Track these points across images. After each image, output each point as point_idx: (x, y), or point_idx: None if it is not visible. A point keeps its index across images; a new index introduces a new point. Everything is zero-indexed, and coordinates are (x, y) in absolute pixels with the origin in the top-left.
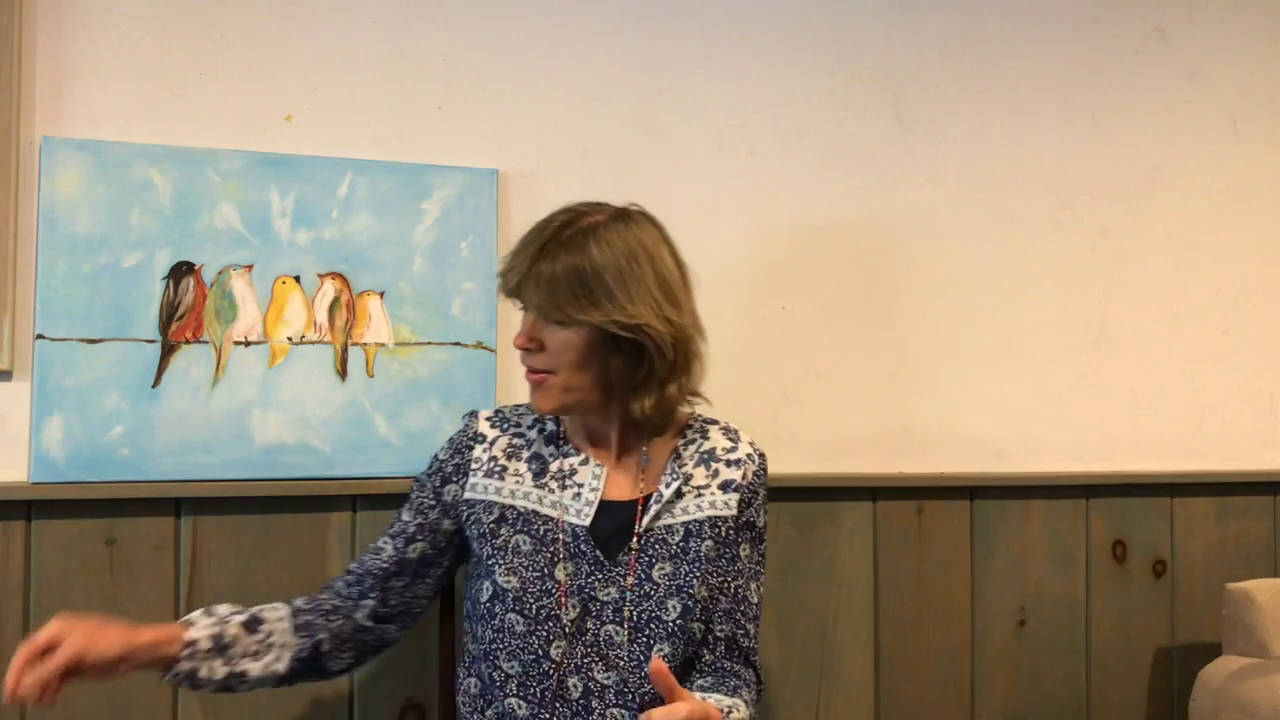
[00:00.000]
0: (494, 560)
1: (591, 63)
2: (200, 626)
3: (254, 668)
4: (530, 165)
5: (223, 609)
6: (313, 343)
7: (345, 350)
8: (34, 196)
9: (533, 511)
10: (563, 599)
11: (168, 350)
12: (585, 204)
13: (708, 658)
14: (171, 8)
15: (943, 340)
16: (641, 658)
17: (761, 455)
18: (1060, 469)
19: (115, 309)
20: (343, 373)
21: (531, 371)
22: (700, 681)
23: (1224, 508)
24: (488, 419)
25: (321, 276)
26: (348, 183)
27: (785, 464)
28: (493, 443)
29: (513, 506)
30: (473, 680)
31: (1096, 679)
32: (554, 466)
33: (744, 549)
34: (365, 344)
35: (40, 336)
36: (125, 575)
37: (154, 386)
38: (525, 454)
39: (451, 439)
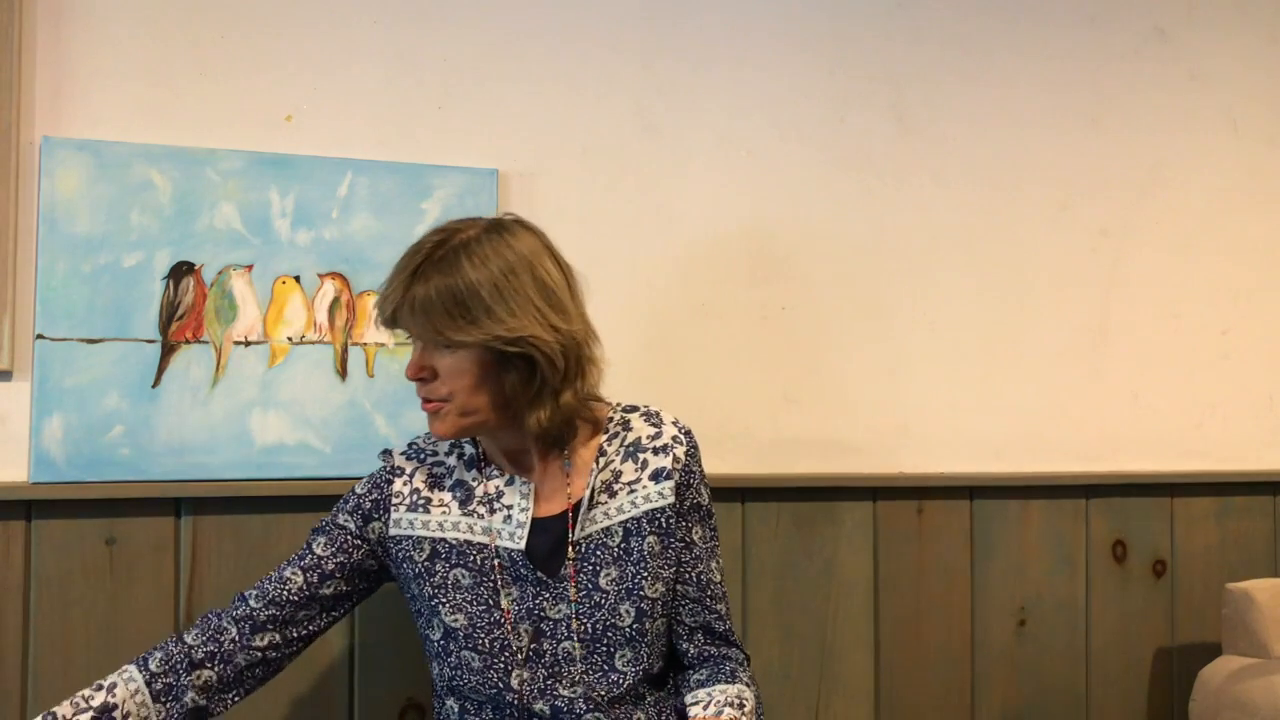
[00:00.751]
0: (437, 600)
1: (591, 63)
2: None
3: None
4: (530, 165)
5: (64, 710)
6: (313, 343)
7: (345, 350)
8: (34, 196)
9: (465, 542)
10: (511, 628)
11: (168, 350)
12: (458, 220)
13: (691, 651)
14: (171, 8)
15: (943, 340)
16: (605, 667)
17: (688, 433)
18: (1060, 469)
19: (115, 309)
20: (343, 373)
21: (426, 401)
22: (696, 675)
23: (1224, 508)
24: (402, 453)
25: (321, 276)
26: (348, 183)
27: (785, 464)
28: (411, 475)
29: (443, 540)
30: (451, 706)
31: (1096, 679)
32: (479, 491)
33: (695, 531)
34: (365, 344)
35: (40, 336)
36: (125, 575)
37: (154, 386)
38: (448, 482)
39: (369, 475)
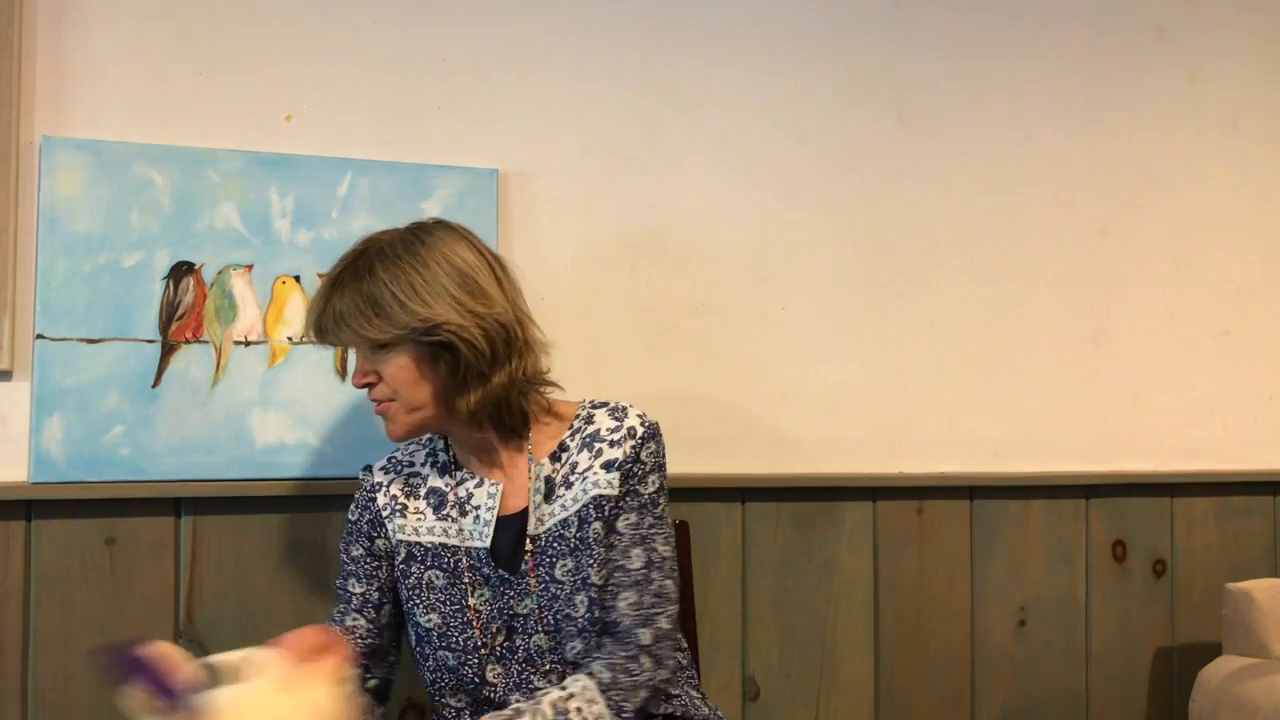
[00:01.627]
0: (412, 601)
1: (591, 63)
2: None
3: None
4: (530, 165)
5: None
6: (313, 343)
7: (345, 350)
8: (34, 196)
9: (440, 545)
10: (481, 627)
11: (168, 350)
12: (382, 230)
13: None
14: (171, 8)
15: (943, 340)
16: (568, 658)
17: (649, 425)
18: (1060, 469)
19: (115, 309)
20: (343, 373)
21: (377, 404)
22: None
23: (1224, 508)
24: (380, 468)
25: (321, 276)
26: (348, 183)
27: (785, 464)
28: (389, 485)
29: (419, 543)
30: (447, 707)
31: (1096, 679)
32: (451, 495)
33: (622, 520)
34: None
35: (40, 336)
36: (125, 575)
37: (154, 386)
38: (422, 490)
39: (355, 498)
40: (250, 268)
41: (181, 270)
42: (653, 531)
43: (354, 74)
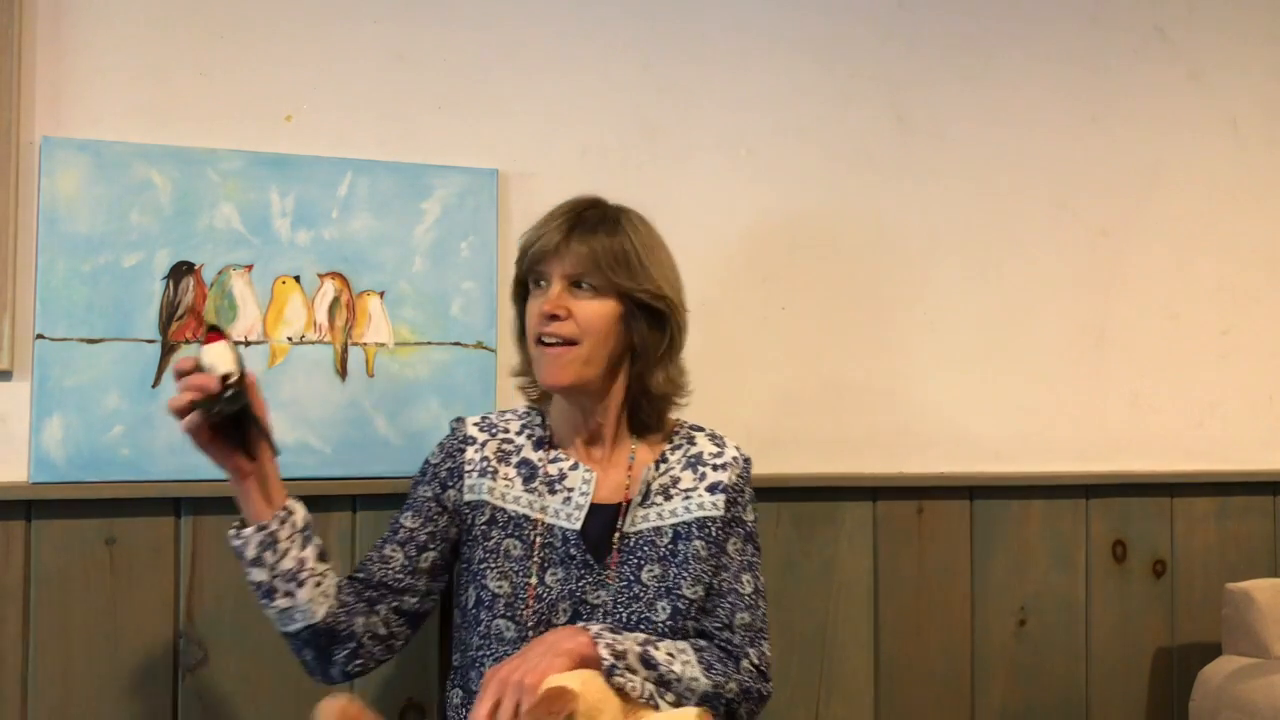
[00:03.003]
0: (485, 563)
1: (591, 62)
2: (300, 514)
3: (304, 592)
4: (530, 165)
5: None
6: (313, 343)
7: (345, 350)
8: (34, 196)
9: (523, 516)
10: (556, 604)
11: (168, 350)
12: (594, 197)
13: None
14: (171, 8)
15: (943, 340)
16: None
17: (747, 460)
18: (1060, 469)
19: (115, 309)
20: (343, 373)
21: (552, 344)
22: None
23: (1224, 508)
24: (475, 424)
25: (321, 276)
26: (348, 183)
27: (785, 464)
28: (483, 445)
29: (503, 509)
30: (456, 691)
31: (1096, 679)
32: (543, 471)
33: (731, 544)
34: (365, 344)
35: (40, 336)
36: (125, 575)
37: (154, 386)
38: (515, 459)
39: (441, 444)
40: (250, 268)
41: (181, 270)
42: (754, 561)
43: (354, 74)
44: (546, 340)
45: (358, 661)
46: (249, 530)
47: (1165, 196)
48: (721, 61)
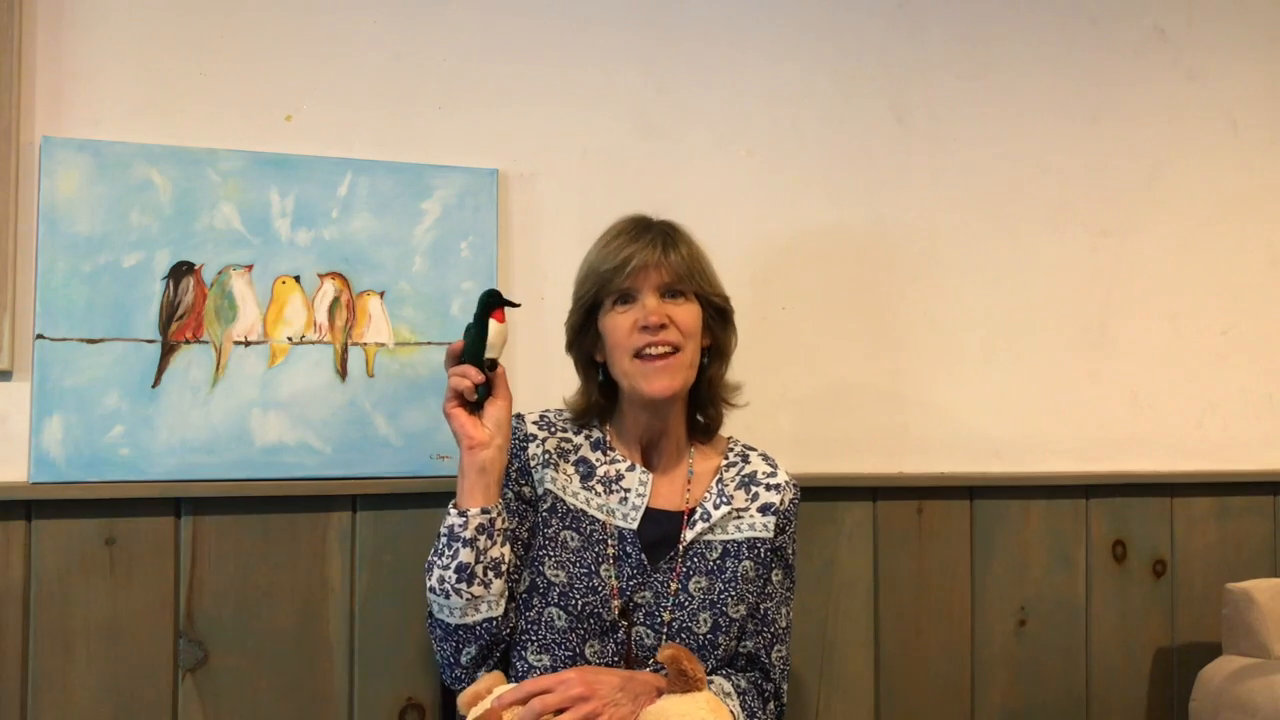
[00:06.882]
0: (544, 551)
1: (591, 63)
2: (505, 516)
3: (499, 584)
4: (530, 165)
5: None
6: (313, 343)
7: (345, 350)
8: (34, 196)
9: (580, 511)
10: (609, 599)
11: (168, 350)
12: (638, 214)
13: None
14: (171, 8)
15: (943, 340)
16: None
17: (797, 487)
18: (1060, 469)
19: (115, 309)
20: (343, 373)
21: (660, 354)
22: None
23: (1224, 508)
24: (534, 421)
25: (321, 276)
26: (348, 183)
27: (785, 464)
28: (543, 441)
29: (563, 500)
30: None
31: (1096, 679)
32: (600, 472)
33: (775, 574)
34: (365, 344)
35: (40, 336)
36: (125, 575)
37: (154, 386)
38: (573, 457)
39: None
40: (250, 268)
41: (181, 270)
42: (790, 596)
43: (354, 74)
44: (653, 351)
45: (493, 661)
46: (474, 510)
47: (1165, 196)
48: (721, 62)
